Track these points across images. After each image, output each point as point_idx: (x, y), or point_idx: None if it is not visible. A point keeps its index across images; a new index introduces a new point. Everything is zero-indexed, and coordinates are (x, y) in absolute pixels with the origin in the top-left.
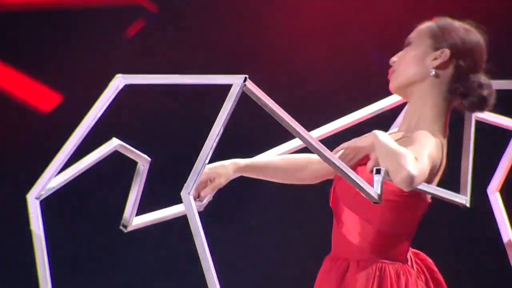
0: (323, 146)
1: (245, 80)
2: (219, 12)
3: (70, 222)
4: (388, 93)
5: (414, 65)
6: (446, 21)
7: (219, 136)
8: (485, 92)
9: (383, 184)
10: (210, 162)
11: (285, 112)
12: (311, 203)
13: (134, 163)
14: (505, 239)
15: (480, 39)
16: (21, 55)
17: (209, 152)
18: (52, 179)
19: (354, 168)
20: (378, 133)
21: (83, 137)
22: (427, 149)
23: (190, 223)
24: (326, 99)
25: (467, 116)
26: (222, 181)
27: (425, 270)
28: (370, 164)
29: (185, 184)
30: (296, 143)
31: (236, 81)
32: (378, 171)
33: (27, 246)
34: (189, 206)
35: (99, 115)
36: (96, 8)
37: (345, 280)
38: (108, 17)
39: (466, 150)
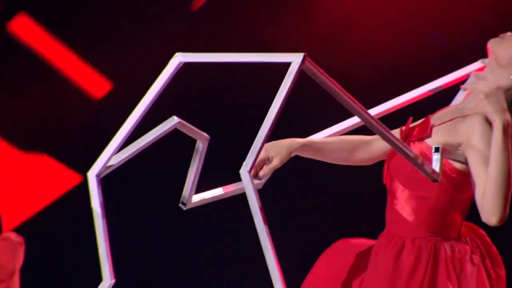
0: (382, 124)
1: (304, 58)
2: None
3: (129, 199)
4: (448, 71)
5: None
6: None
7: (278, 114)
8: None
9: (442, 162)
10: (269, 140)
11: (344, 90)
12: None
13: (193, 141)
14: None
15: None
16: (79, 34)
17: (268, 130)
18: (112, 157)
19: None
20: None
21: (143, 115)
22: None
23: (249, 201)
24: (381, 80)
25: None
26: (281, 159)
27: (481, 246)
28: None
29: (244, 162)
30: (354, 121)
31: (295, 59)
32: (437, 150)
33: (87, 223)
34: (248, 184)
35: (158, 93)
36: None
37: (401, 257)
38: None
39: None
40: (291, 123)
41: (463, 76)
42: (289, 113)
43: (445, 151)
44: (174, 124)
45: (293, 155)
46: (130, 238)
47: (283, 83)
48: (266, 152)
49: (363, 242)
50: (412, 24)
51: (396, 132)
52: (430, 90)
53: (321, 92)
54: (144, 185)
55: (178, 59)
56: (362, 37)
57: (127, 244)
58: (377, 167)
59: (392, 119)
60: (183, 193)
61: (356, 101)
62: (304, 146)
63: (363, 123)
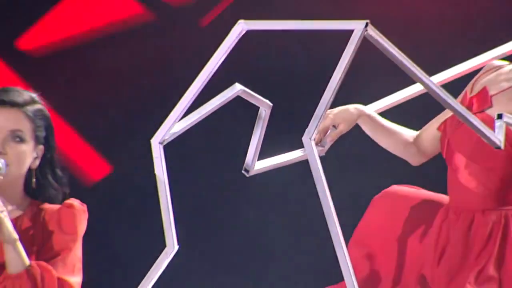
0: (445, 91)
1: (366, 25)
2: None
3: (193, 166)
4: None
5: None
6: None
7: (340, 81)
8: None
9: (505, 129)
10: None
11: (406, 58)
12: None
13: (256, 108)
14: None
15: None
16: None
17: (331, 97)
18: (175, 124)
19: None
20: None
21: (205, 82)
22: None
23: (311, 168)
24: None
25: None
26: (347, 125)
27: None
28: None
29: (307, 129)
30: (415, 89)
31: (357, 27)
32: (499, 116)
33: (150, 191)
34: (310, 151)
35: (221, 60)
36: None
37: (471, 230)
38: None
39: None
40: (352, 91)
41: None
42: (350, 81)
43: (508, 117)
44: (237, 92)
45: (357, 122)
46: (193, 205)
47: (345, 50)
48: (333, 117)
49: (415, 194)
50: None
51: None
52: (495, 57)
53: (382, 59)
54: (207, 152)
55: (241, 26)
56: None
57: (190, 212)
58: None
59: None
60: (246, 160)
61: (419, 69)
62: (369, 117)
63: (425, 91)
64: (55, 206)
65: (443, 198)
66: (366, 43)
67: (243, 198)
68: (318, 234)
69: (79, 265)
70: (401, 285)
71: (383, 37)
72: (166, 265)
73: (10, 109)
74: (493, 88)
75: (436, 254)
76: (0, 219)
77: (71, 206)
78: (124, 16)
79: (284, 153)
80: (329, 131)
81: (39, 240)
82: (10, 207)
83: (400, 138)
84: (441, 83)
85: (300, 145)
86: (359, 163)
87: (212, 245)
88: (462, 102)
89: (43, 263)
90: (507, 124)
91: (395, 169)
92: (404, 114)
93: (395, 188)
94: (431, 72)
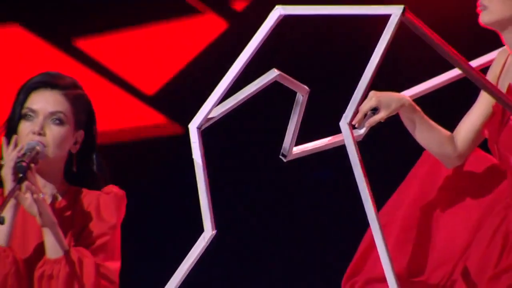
0: (484, 76)
1: (404, 10)
2: None
3: (230, 151)
4: None
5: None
6: None
7: (378, 65)
8: None
9: None
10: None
11: (445, 42)
12: None
13: (293, 93)
14: None
15: None
16: None
17: (368, 81)
18: (213, 109)
19: None
20: None
21: (243, 67)
22: None
23: (348, 153)
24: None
25: None
26: (388, 113)
27: None
28: None
29: (344, 114)
30: (453, 74)
31: (395, 11)
32: None
33: (188, 175)
34: (347, 135)
35: (258, 45)
36: None
37: None
38: None
39: None
40: (388, 76)
41: None
42: (386, 66)
43: None
44: (275, 77)
45: (397, 112)
46: (231, 190)
47: (383, 35)
48: (377, 101)
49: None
50: None
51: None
52: None
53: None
54: (244, 137)
55: (278, 11)
56: None
57: (228, 196)
58: None
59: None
60: (284, 145)
61: (457, 53)
62: (412, 108)
63: (463, 76)
64: (95, 192)
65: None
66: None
67: (281, 184)
68: (355, 220)
69: (118, 251)
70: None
71: (421, 21)
72: (203, 249)
73: (51, 92)
74: None
75: (493, 252)
76: (39, 202)
77: (110, 192)
78: None
79: (321, 138)
80: (368, 114)
81: (78, 225)
82: (49, 191)
83: (438, 135)
84: (479, 68)
85: (338, 130)
86: (396, 146)
87: (249, 230)
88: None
89: (81, 248)
90: None
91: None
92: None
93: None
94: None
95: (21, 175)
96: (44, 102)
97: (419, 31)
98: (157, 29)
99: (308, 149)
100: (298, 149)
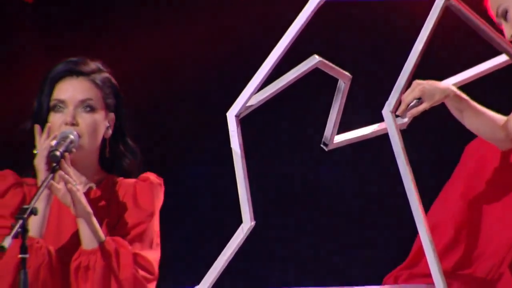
0: None
1: None
2: None
3: (269, 140)
4: None
5: None
6: None
7: (422, 52)
8: None
9: None
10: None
11: (491, 27)
12: None
13: (335, 80)
14: None
15: None
16: None
17: (412, 68)
18: (251, 97)
19: None
20: None
21: (283, 54)
22: None
23: (391, 142)
24: None
25: None
26: (432, 103)
27: None
28: None
29: (387, 102)
30: (499, 60)
31: None
32: None
33: (225, 164)
34: (390, 124)
35: (299, 31)
36: None
37: None
38: None
39: None
40: (432, 62)
41: None
42: (430, 52)
43: None
44: (315, 63)
45: (441, 102)
46: (270, 180)
47: (427, 20)
48: (421, 92)
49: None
50: None
51: None
52: None
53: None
54: (284, 125)
55: None
56: None
57: (267, 187)
58: None
59: None
60: (325, 133)
61: (503, 39)
62: (458, 97)
63: (510, 62)
64: (131, 180)
65: None
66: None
67: (321, 172)
68: (398, 211)
69: (156, 240)
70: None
71: (466, 6)
72: (242, 241)
73: (78, 79)
74: None
75: None
76: (73, 192)
77: (147, 179)
78: None
79: (363, 126)
80: (413, 102)
81: (114, 215)
82: (84, 181)
83: (489, 121)
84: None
85: (380, 119)
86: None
87: (289, 221)
88: None
89: (118, 238)
90: None
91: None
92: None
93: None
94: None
95: (54, 164)
96: (72, 91)
97: (464, 15)
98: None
99: (350, 137)
100: (339, 138)
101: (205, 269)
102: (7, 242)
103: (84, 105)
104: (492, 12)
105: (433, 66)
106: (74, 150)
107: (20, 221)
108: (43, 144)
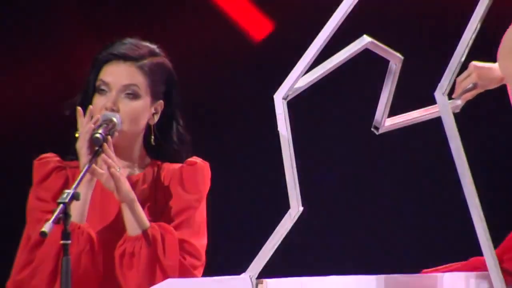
0: None
1: None
2: None
3: (318, 124)
4: None
5: None
6: None
7: (475, 34)
8: None
9: None
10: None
11: None
12: None
13: (385, 62)
14: None
15: None
16: None
17: (465, 49)
18: (299, 79)
19: None
20: None
21: (331, 34)
22: None
23: (444, 125)
24: None
25: None
26: (485, 87)
27: None
28: None
29: (439, 84)
30: None
31: None
32: None
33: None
34: (443, 107)
35: (347, 11)
36: None
37: None
38: None
39: None
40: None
41: None
42: (484, 33)
43: None
44: (365, 44)
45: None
46: (318, 164)
47: (480, 2)
48: (477, 76)
49: None
50: None
51: None
52: None
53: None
54: (332, 108)
55: None
56: None
57: (314, 172)
58: None
59: None
60: (376, 117)
61: None
62: None
63: None
64: (177, 165)
65: None
66: None
67: (372, 157)
68: (451, 196)
69: (203, 227)
70: None
71: None
72: (290, 227)
73: (123, 64)
74: None
75: None
76: (116, 177)
77: (193, 163)
78: None
79: (415, 109)
80: (469, 86)
81: (160, 200)
82: (128, 166)
83: None
84: None
85: (433, 101)
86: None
87: (338, 206)
88: None
89: (164, 224)
90: None
91: None
92: None
93: None
94: None
95: (97, 148)
96: (116, 75)
97: None
98: None
99: (401, 121)
100: (390, 121)
101: (251, 257)
102: (48, 227)
103: (127, 91)
104: None
105: (487, 46)
106: (116, 133)
107: (62, 206)
108: (85, 127)
